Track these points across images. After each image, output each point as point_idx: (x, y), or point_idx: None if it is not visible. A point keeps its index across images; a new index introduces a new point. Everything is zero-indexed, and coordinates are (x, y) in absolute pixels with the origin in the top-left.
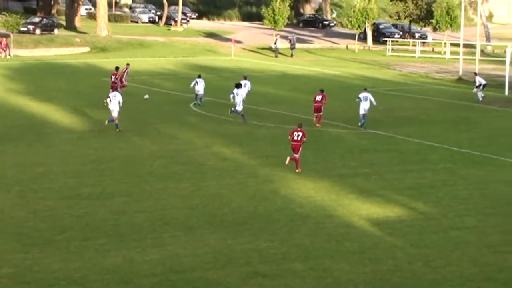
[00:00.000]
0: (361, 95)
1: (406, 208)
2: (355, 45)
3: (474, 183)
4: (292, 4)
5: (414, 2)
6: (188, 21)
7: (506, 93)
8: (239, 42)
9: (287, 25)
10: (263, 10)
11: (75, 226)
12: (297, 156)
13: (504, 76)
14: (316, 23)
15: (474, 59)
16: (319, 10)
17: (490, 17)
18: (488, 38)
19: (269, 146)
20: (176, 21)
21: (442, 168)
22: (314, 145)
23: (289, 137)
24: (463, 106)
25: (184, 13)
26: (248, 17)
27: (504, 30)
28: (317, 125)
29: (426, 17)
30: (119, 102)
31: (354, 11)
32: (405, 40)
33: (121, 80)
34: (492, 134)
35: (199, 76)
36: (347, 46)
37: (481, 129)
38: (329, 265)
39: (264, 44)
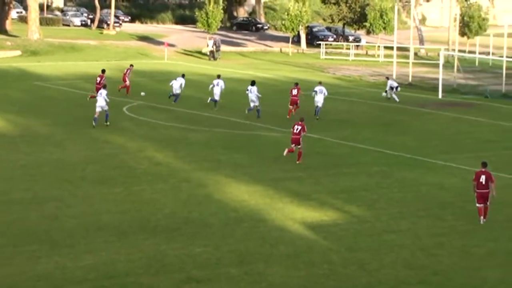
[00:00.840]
0: (317, 88)
1: (340, 211)
2: (289, 48)
3: (408, 185)
4: (225, 7)
5: (348, 5)
6: (120, 24)
7: (440, 96)
8: (172, 45)
9: (221, 28)
10: (196, 13)
11: (6, 232)
12: (299, 147)
13: (437, 79)
14: (250, 26)
15: (408, 62)
16: (252, 13)
17: (423, 20)
18: (421, 41)
19: (203, 150)
20: (108, 25)
21: (376, 171)
22: (248, 148)
23: (291, 129)
24: (397, 109)
25: (116, 16)
26: (181, 20)
27: (437, 33)
28: (288, 116)
29: (359, 20)
30: (105, 100)
31: (287, 14)
32: (339, 43)
33: (124, 80)
34: (424, 136)
35: (183, 76)
36: (281, 49)
37: (414, 132)
38: (264, 269)
39: (198, 47)
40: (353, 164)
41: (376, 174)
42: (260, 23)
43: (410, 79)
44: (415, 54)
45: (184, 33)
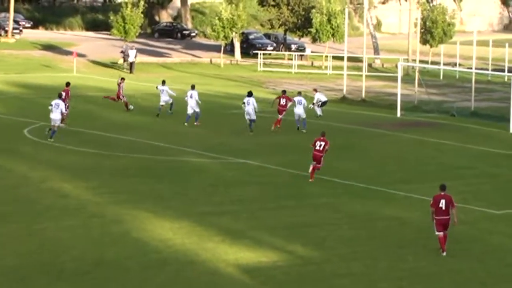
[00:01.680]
0: (296, 98)
1: (281, 251)
2: (221, 58)
3: (361, 221)
4: (145, 10)
5: (290, 8)
6: (21, 30)
7: (398, 114)
8: (82, 55)
9: (140, 35)
10: (111, 17)
11: None
12: (319, 166)
13: (395, 95)
14: (174, 33)
15: (361, 75)
16: (177, 17)
17: (378, 25)
18: (376, 50)
19: (119, 180)
20: (6, 31)
21: (324, 203)
22: (172, 177)
23: (311, 145)
24: (348, 130)
25: (16, 21)
26: (93, 26)
27: (394, 41)
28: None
29: (304, 25)
30: (61, 111)
31: (219, 19)
32: (280, 52)
33: (118, 97)
34: (381, 162)
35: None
36: (211, 60)
37: (368, 157)
38: None
39: (113, 58)
40: (296, 195)
41: (323, 207)
42: (186, 29)
43: (363, 94)
44: (369, 65)
45: (96, 41)
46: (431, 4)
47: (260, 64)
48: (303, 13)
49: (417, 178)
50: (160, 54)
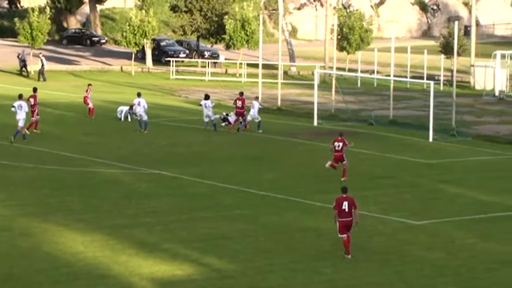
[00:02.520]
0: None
1: (197, 264)
2: (132, 66)
3: (278, 232)
4: (53, 16)
5: (202, 13)
6: None
7: (315, 123)
8: None
9: (48, 42)
10: (17, 24)
11: None
12: (344, 163)
13: (312, 103)
14: (83, 40)
15: (276, 83)
16: (86, 23)
17: (294, 32)
18: (292, 57)
19: (27, 192)
20: None
21: (240, 214)
22: (82, 189)
23: (331, 146)
24: (264, 140)
25: None
26: None
27: (310, 48)
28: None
29: (217, 32)
30: (26, 113)
31: (129, 25)
32: (193, 60)
33: (86, 102)
34: (298, 173)
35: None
36: (121, 68)
37: (284, 167)
38: None
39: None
40: (211, 206)
41: (239, 219)
42: (96, 36)
43: (279, 102)
44: (285, 72)
45: (2, 48)
46: (348, 10)
47: (172, 71)
48: (216, 19)
49: (335, 189)
50: (69, 62)
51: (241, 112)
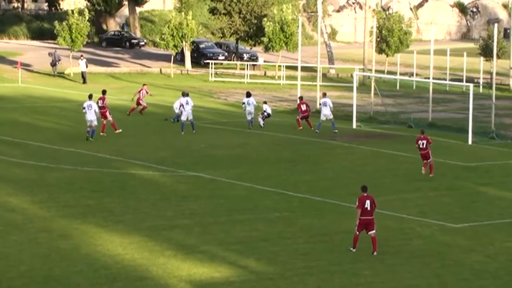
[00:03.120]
0: (321, 100)
1: (235, 266)
2: (171, 68)
3: (316, 235)
4: (93, 18)
5: (242, 16)
6: None
7: (354, 125)
8: (27, 65)
9: (87, 45)
10: (57, 26)
11: None
12: (429, 160)
13: (350, 105)
14: (123, 42)
15: (315, 85)
16: (125, 25)
17: (333, 34)
18: (331, 60)
19: (66, 193)
20: None
21: (278, 217)
22: (121, 191)
23: (416, 145)
24: (302, 142)
25: None
26: (39, 35)
27: (349, 50)
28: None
29: (256, 34)
30: (95, 111)
31: (168, 27)
32: (232, 62)
33: (138, 103)
34: (336, 175)
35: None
36: (160, 70)
37: (323, 170)
38: None
39: (60, 67)
40: (249, 209)
41: (277, 221)
42: (135, 38)
43: (317, 105)
44: (324, 75)
45: (42, 50)
46: (387, 13)
47: (211, 74)
48: (255, 21)
49: (373, 191)
50: (108, 64)
51: (307, 115)
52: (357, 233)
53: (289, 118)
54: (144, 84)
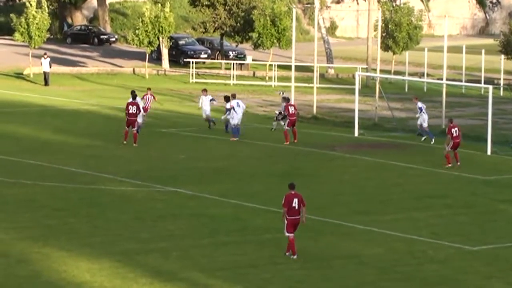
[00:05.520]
0: (234, 102)
1: None
2: (145, 68)
3: (313, 259)
4: (56, 11)
5: (227, 8)
6: None
7: (356, 133)
8: None
9: (49, 41)
10: (14, 20)
11: None
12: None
13: (352, 110)
14: (91, 38)
15: (311, 87)
16: (94, 19)
17: (332, 29)
18: (329, 58)
19: (25, 213)
20: None
21: (269, 239)
22: (87, 209)
23: (448, 134)
24: (297, 153)
25: None
26: None
27: (350, 47)
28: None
29: (244, 29)
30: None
31: (142, 21)
32: (216, 61)
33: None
34: (336, 191)
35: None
36: (134, 70)
37: (321, 185)
38: None
39: (18, 67)
40: (237, 230)
41: (268, 244)
42: (104, 34)
43: (314, 110)
44: (321, 75)
45: None
46: (394, 4)
47: (192, 74)
48: (243, 14)
49: (378, 209)
50: (74, 63)
51: (294, 120)
52: (289, 235)
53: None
54: (148, 89)
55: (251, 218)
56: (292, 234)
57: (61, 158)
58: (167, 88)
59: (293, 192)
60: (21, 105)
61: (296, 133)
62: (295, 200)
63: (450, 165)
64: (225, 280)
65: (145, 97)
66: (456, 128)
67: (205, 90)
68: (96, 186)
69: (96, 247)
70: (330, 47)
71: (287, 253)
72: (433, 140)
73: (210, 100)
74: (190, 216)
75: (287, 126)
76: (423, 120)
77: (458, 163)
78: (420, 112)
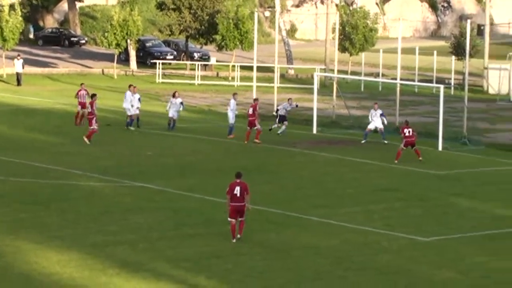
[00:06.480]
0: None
1: (184, 285)
2: (114, 69)
3: (274, 250)
4: (28, 14)
5: (192, 11)
6: None
7: (314, 131)
8: None
9: (22, 43)
10: None
11: None
12: (415, 147)
13: (311, 109)
14: (61, 40)
15: (272, 87)
16: (65, 22)
17: (292, 31)
18: (289, 59)
19: None
20: None
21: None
22: (59, 203)
23: (401, 134)
24: (260, 150)
25: None
26: None
27: (309, 49)
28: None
29: (208, 31)
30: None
31: (111, 24)
32: (181, 62)
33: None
34: (296, 185)
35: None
36: (103, 71)
37: (282, 180)
38: None
39: None
40: (201, 222)
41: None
42: (75, 36)
43: (275, 108)
44: (282, 76)
45: None
46: (351, 8)
47: (158, 75)
48: (207, 17)
49: (335, 202)
50: (45, 64)
51: (252, 121)
52: (231, 220)
53: (245, 123)
54: (81, 84)
55: (215, 211)
56: (234, 220)
57: (33, 155)
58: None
59: (238, 181)
60: None
61: (258, 132)
62: (237, 188)
63: (396, 162)
64: (189, 270)
65: (79, 94)
66: (410, 129)
67: (175, 93)
68: (67, 181)
69: (66, 240)
70: (290, 48)
71: (233, 240)
72: (385, 140)
73: (180, 103)
74: (156, 209)
75: (248, 126)
76: (380, 123)
77: (420, 158)
78: (381, 116)
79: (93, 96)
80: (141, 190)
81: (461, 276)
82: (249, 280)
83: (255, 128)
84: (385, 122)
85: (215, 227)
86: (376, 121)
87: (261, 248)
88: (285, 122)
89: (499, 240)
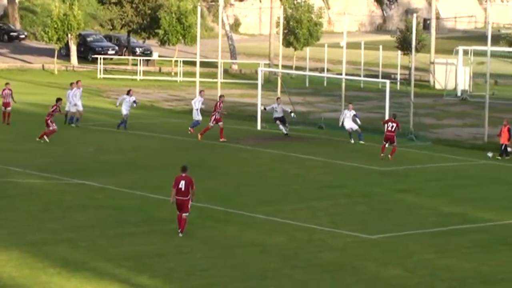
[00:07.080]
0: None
1: (126, 285)
2: (54, 64)
3: (217, 248)
4: None
5: (134, 6)
6: None
7: (259, 127)
8: None
9: None
10: None
11: None
12: (394, 144)
13: (255, 105)
14: (0, 35)
15: (216, 82)
16: (4, 17)
17: (236, 25)
18: (233, 54)
19: None
20: None
21: (174, 229)
22: None
23: (382, 125)
24: (202, 146)
25: None
26: None
27: (253, 43)
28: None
29: (150, 26)
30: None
31: (51, 18)
32: (123, 57)
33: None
34: (239, 182)
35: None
36: (43, 66)
37: (225, 176)
38: None
39: None
40: (143, 220)
41: (174, 234)
42: (14, 31)
43: (261, 108)
44: (225, 71)
45: None
46: (295, 2)
47: (100, 70)
48: (150, 12)
49: (280, 199)
50: None
51: (219, 119)
52: (178, 213)
53: (188, 119)
54: (6, 83)
55: (157, 209)
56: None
57: None
58: None
59: (183, 175)
60: None
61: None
62: (182, 182)
63: (382, 155)
64: (132, 269)
65: (3, 93)
66: (394, 124)
67: (130, 91)
68: (5, 179)
69: (5, 238)
70: (233, 43)
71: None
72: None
73: (133, 102)
74: (97, 207)
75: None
76: (353, 124)
77: (389, 156)
78: (355, 117)
79: (58, 100)
80: (81, 187)
81: (408, 274)
82: (193, 279)
83: (219, 124)
84: (359, 122)
85: (157, 225)
86: (348, 122)
87: (204, 245)
88: (286, 124)
89: (445, 237)
